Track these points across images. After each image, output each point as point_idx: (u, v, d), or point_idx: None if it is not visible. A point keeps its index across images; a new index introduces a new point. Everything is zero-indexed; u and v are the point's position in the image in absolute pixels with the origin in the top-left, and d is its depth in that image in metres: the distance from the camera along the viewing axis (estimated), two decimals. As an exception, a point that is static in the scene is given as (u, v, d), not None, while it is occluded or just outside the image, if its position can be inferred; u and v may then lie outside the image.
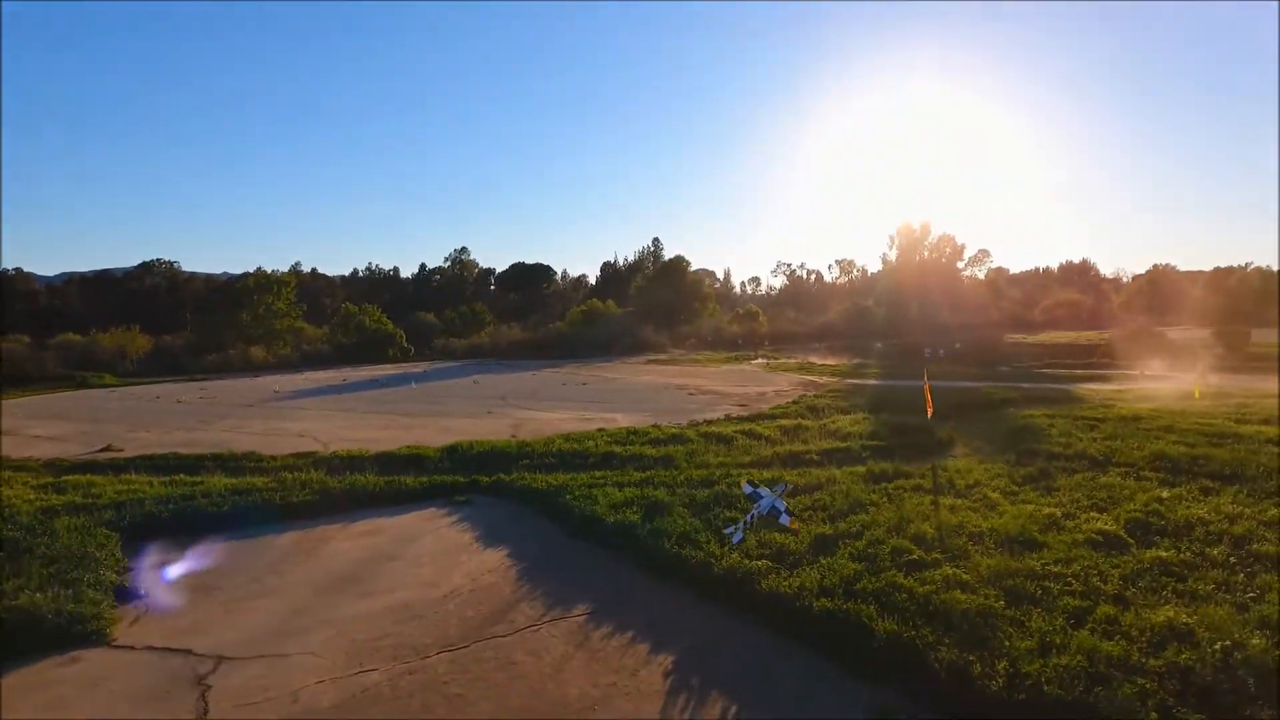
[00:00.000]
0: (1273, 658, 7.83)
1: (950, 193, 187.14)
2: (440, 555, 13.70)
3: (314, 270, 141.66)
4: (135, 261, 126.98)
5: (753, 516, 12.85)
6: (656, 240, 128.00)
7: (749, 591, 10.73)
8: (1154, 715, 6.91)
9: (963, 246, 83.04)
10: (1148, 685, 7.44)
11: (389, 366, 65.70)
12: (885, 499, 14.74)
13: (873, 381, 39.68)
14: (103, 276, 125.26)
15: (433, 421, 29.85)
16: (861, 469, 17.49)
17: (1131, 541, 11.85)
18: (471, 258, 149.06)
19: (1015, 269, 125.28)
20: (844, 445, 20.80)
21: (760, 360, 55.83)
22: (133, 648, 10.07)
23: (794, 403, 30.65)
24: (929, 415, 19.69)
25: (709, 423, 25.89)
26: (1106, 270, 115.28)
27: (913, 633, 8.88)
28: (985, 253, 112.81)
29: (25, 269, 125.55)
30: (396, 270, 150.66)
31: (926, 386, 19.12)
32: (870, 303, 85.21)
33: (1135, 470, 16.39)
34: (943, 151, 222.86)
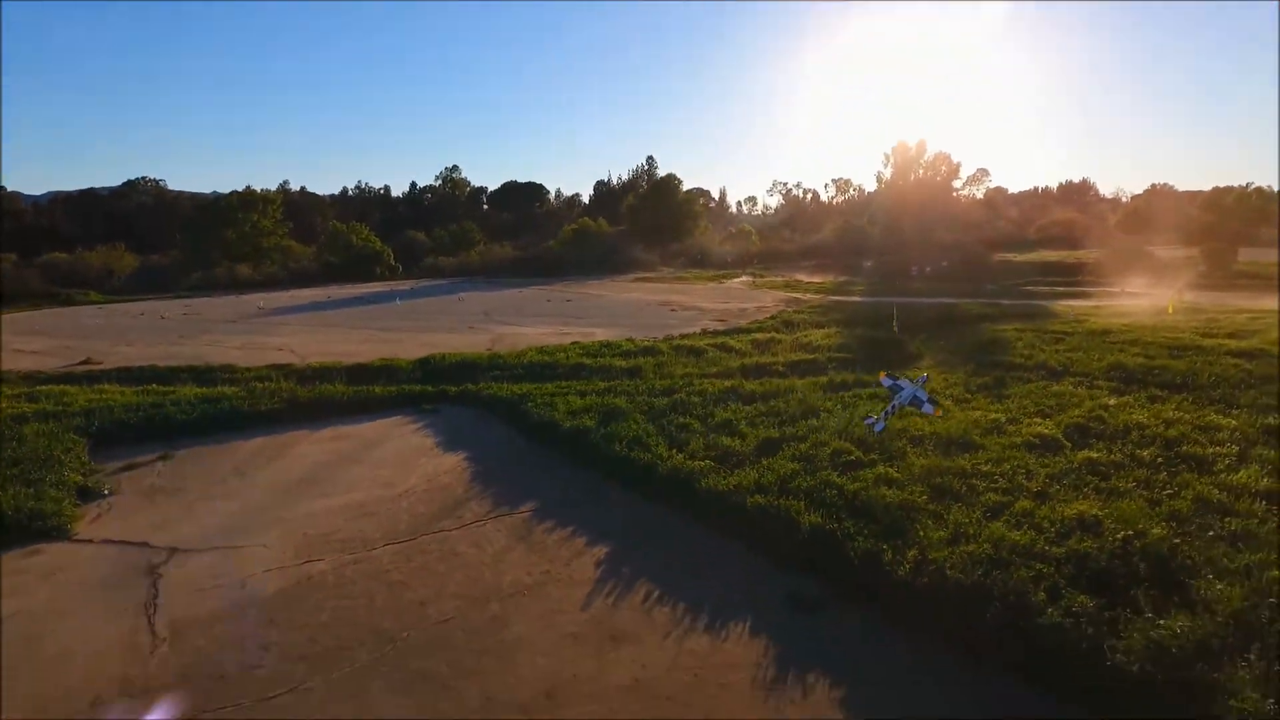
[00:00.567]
0: (1168, 545, 8.18)
1: (952, 112, 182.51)
2: (401, 459, 14.03)
3: (303, 189, 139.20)
4: (121, 180, 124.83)
5: (894, 406, 13.25)
6: (650, 159, 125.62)
7: (689, 490, 11.08)
8: (1042, 596, 7.27)
9: (958, 165, 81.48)
10: (1045, 569, 7.80)
11: (376, 285, 65.35)
12: (840, 406, 15.01)
13: (855, 299, 39.67)
14: (88, 195, 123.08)
15: (412, 337, 29.94)
16: (823, 379, 17.73)
17: (1068, 444, 12.15)
18: (463, 176, 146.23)
19: (1015, 188, 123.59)
20: (811, 358, 20.99)
21: (747, 278, 55.61)
22: (91, 541, 10.46)
23: (772, 318, 30.76)
24: (895, 330, 19.76)
25: (684, 336, 26.05)
26: (1106, 190, 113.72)
27: (835, 525, 9.23)
28: (984, 172, 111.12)
29: (11, 189, 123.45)
30: (387, 189, 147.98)
31: (895, 306, 19.23)
32: (864, 222, 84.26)
33: (1089, 380, 16.64)
34: (945, 69, 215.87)
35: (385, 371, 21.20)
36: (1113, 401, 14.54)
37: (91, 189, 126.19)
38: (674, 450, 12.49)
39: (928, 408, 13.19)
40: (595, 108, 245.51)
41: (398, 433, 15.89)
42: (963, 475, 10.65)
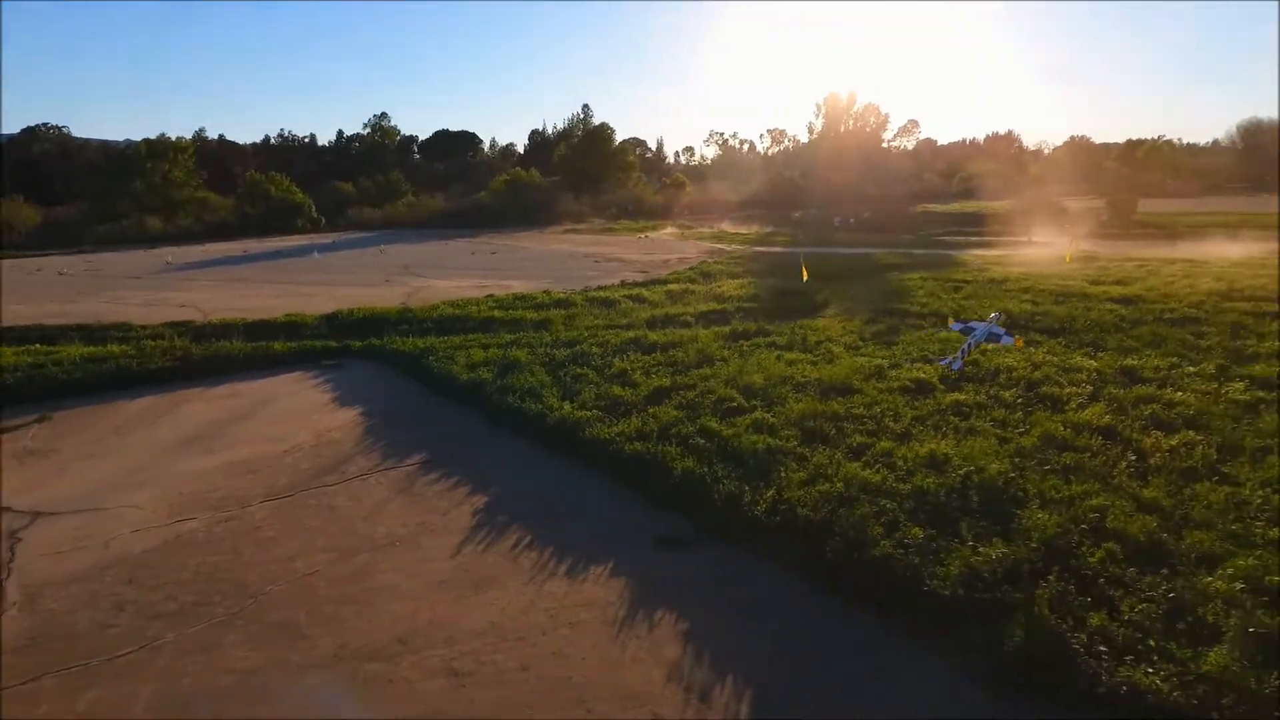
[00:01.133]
0: (1004, 479, 8.74)
1: (886, 63, 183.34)
2: (293, 415, 13.84)
3: (221, 137, 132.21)
4: (20, 127, 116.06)
5: (970, 345, 13.76)
6: (586, 107, 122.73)
7: (575, 439, 11.30)
8: (879, 529, 7.71)
9: (886, 116, 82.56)
10: (888, 505, 8.26)
11: (297, 237, 63.14)
12: (737, 355, 15.35)
13: (777, 249, 40.16)
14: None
15: (327, 290, 29.18)
16: (727, 329, 18.05)
17: (941, 388, 12.73)
18: (393, 124, 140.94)
19: (944, 140, 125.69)
20: (721, 308, 21.32)
21: (675, 229, 55.65)
22: (-51, 507, 10.08)
23: (691, 269, 30.99)
24: (804, 279, 20.16)
25: (601, 288, 26.07)
26: (1030, 142, 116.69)
27: (705, 470, 9.55)
28: (914, 123, 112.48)
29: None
30: (313, 138, 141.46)
31: (802, 256, 19.59)
32: (796, 173, 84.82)
33: (976, 326, 17.33)
34: (882, 20, 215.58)
35: (290, 327, 20.71)
36: (990, 346, 15.20)
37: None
38: (565, 401, 12.66)
39: (1006, 339, 14.00)
40: (534, 55, 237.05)
41: (294, 389, 15.63)
42: (835, 419, 11.10)
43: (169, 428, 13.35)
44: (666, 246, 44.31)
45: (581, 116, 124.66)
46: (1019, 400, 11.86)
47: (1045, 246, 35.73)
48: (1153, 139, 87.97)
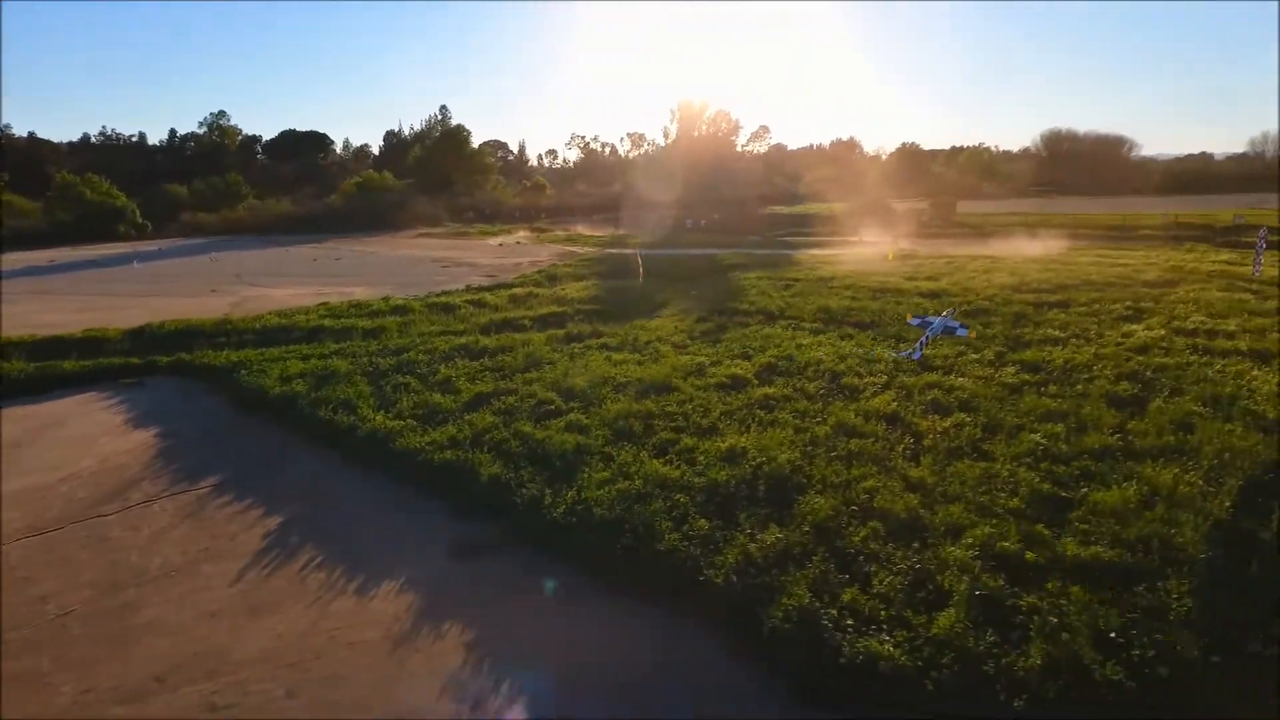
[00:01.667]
0: (791, 467, 9.24)
1: (741, 70, 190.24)
2: (78, 440, 12.61)
3: (31, 135, 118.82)
4: None
5: (928, 337, 14.80)
6: (444, 108, 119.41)
7: (386, 450, 10.95)
8: (668, 524, 7.95)
9: (737, 122, 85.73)
10: (681, 499, 8.53)
11: (119, 245, 57.75)
12: (567, 357, 15.41)
13: (628, 251, 40.72)
14: None
15: (141, 302, 26.82)
16: (562, 331, 18.09)
17: (755, 382, 13.31)
18: (233, 123, 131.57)
19: (794, 145, 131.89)
20: (562, 310, 21.34)
21: (530, 233, 55.31)
22: None
23: (539, 272, 30.86)
24: (640, 280, 20.49)
25: (444, 294, 25.46)
26: (869, 148, 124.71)
27: (512, 474, 9.52)
28: (765, 129, 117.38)
29: None
30: (142, 136, 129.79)
31: (638, 256, 19.91)
32: (652, 177, 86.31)
33: (797, 322, 18.30)
34: (740, 30, 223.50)
35: (88, 344, 18.83)
36: (806, 341, 16.10)
37: None
38: (381, 411, 12.26)
39: (961, 331, 15.30)
40: (390, 54, 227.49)
41: (84, 411, 14.25)
42: (647, 417, 11.36)
43: (-79, 462, 11.82)
44: (519, 250, 43.94)
45: (440, 118, 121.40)
46: (821, 392, 12.59)
47: (872, 246, 38.22)
48: (973, 146, 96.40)
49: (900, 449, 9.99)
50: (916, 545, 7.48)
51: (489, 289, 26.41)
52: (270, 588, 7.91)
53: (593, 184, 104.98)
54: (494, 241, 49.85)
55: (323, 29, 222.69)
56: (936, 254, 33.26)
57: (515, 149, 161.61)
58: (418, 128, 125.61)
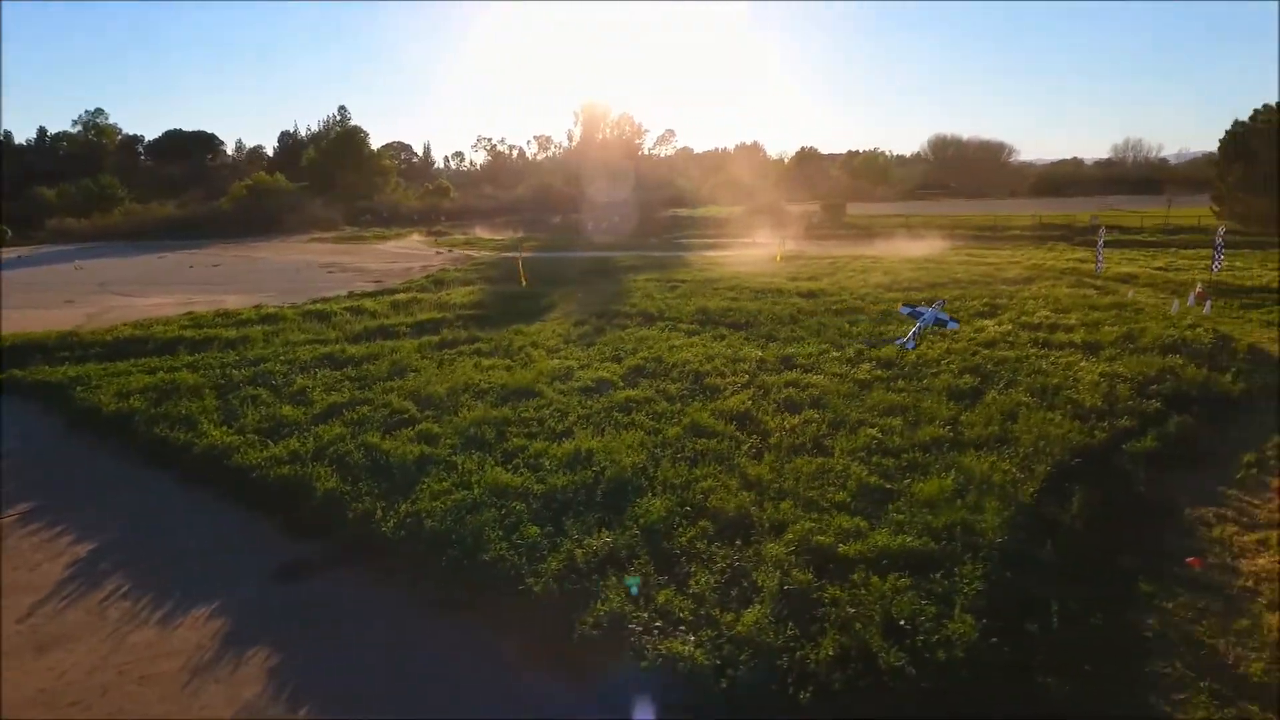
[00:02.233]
0: (633, 470, 9.24)
1: (649, 74, 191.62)
2: (-126, 470, 11.44)
3: None
4: None
5: (920, 327, 15.42)
6: (343, 109, 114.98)
7: (221, 468, 10.39)
8: (498, 534, 7.80)
9: (640, 126, 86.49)
10: (517, 507, 8.40)
11: (-28, 253, 53.25)
12: (435, 365, 15.04)
13: (526, 254, 40.24)
14: None
15: (-16, 315, 24.72)
16: (436, 338, 17.68)
17: (621, 385, 13.30)
18: (111, 122, 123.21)
19: (700, 149, 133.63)
20: (441, 316, 20.88)
21: (426, 237, 54.09)
22: None
23: (427, 277, 30.16)
24: (522, 284, 20.26)
25: (324, 300, 24.59)
26: (772, 152, 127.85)
27: (349, 488, 9.17)
28: (671, 133, 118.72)
29: None
30: (8, 135, 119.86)
31: (518, 260, 19.67)
32: (557, 180, 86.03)
33: (675, 324, 18.44)
34: (649, 35, 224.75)
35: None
36: (679, 342, 16.23)
37: None
38: (224, 426, 11.64)
39: (952, 324, 15.92)
40: (289, 54, 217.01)
41: (-112, 437, 12.95)
42: (502, 423, 11.18)
43: None
44: (414, 255, 42.87)
45: (338, 118, 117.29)
46: (682, 393, 12.69)
47: (764, 247, 39.07)
48: (869, 150, 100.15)
49: (745, 448, 10.15)
50: (739, 543, 7.58)
51: (372, 295, 25.65)
52: (64, 622, 7.33)
53: (499, 187, 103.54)
54: (388, 246, 48.50)
55: (218, 25, 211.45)
56: (823, 255, 34.29)
57: (420, 151, 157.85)
58: (315, 129, 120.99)
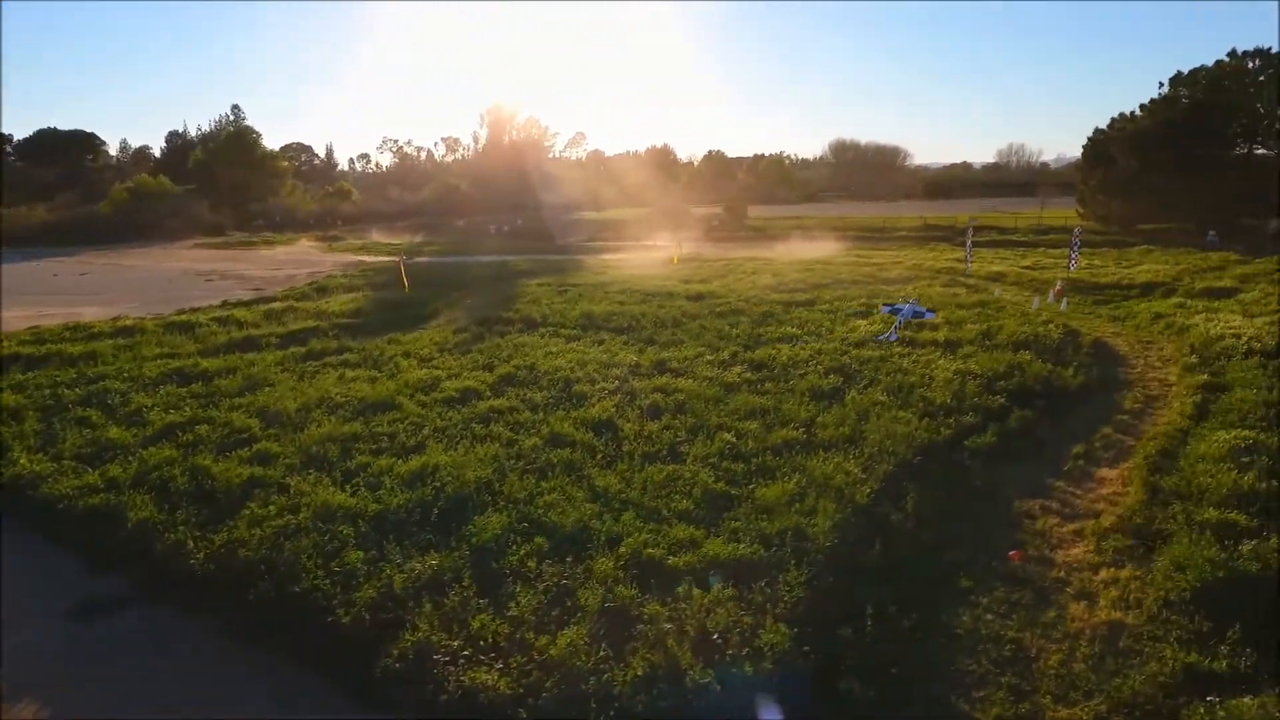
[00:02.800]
0: (476, 484, 8.90)
1: (557, 76, 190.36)
2: None
3: None
4: None
5: (900, 322, 16.57)
6: (236, 108, 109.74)
7: (26, 498, 9.49)
8: (316, 561, 7.32)
9: (547, 128, 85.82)
10: (344, 530, 7.93)
11: None
12: (295, 377, 14.29)
13: (423, 259, 39.21)
14: None
15: None
16: (302, 349, 16.84)
17: (488, 394, 12.91)
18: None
19: (612, 151, 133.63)
20: (317, 325, 19.94)
21: (317, 242, 52.08)
22: None
23: (309, 284, 28.90)
24: (405, 290, 19.54)
25: (193, 310, 23.17)
26: (682, 155, 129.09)
27: (165, 517, 8.49)
28: (581, 135, 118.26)
29: None
30: None
31: (400, 264, 18.99)
32: (462, 182, 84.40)
33: (556, 329, 18.14)
34: (559, 35, 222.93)
35: None
36: (556, 349, 15.94)
37: None
38: (40, 453, 10.66)
39: (929, 315, 16.94)
40: (186, 48, 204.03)
41: None
42: (350, 439, 10.64)
43: None
44: (302, 261, 41.10)
45: (231, 118, 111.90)
46: (548, 401, 12.39)
47: (663, 250, 39.20)
48: (774, 154, 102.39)
49: (599, 457, 9.94)
50: (570, 560, 7.33)
51: (247, 304, 24.34)
52: None
53: (406, 189, 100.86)
54: (277, 252, 46.40)
55: (99, 20, 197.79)
56: (719, 257, 34.65)
57: (322, 153, 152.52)
58: (207, 129, 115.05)
